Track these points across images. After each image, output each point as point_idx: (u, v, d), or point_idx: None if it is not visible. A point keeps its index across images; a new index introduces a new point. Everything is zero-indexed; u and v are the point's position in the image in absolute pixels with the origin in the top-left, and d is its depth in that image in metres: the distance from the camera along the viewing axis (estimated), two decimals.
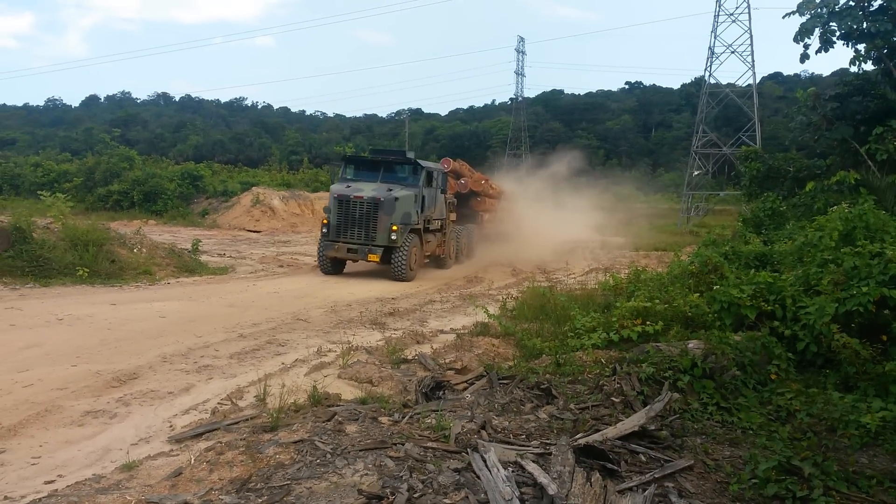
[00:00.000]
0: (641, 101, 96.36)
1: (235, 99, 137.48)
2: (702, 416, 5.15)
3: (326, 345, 8.15)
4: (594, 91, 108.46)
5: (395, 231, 14.90)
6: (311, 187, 38.79)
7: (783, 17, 15.21)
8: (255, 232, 29.68)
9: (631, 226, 31.27)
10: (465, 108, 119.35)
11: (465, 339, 8.20)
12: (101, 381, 6.30)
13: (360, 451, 4.07)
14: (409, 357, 7.36)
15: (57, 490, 3.89)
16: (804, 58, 14.62)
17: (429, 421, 4.65)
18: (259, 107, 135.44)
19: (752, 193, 16.12)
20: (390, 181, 15.82)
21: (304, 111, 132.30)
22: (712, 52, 43.22)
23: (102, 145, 41.97)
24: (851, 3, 13.77)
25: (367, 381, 6.37)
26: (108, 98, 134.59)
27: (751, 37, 42.23)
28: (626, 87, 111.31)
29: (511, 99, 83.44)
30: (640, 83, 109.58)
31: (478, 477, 3.76)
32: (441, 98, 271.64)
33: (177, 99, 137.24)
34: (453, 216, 18.53)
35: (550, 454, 4.06)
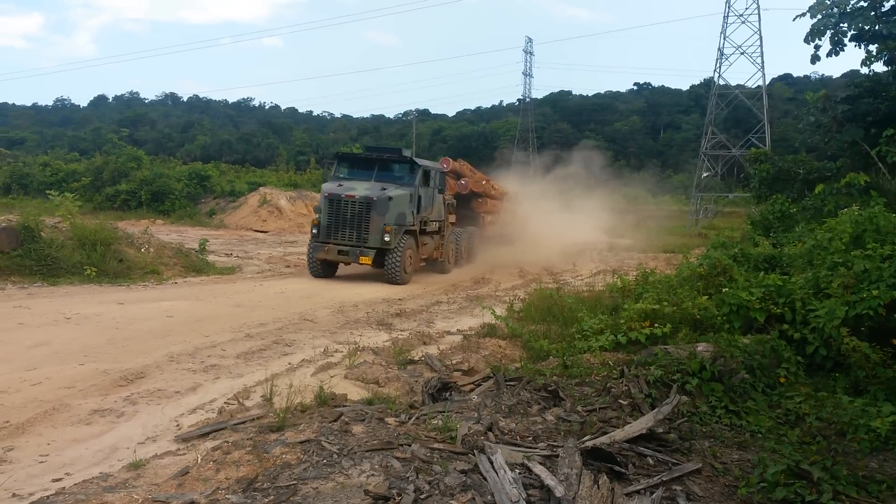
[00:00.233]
0: (650, 102, 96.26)
1: (243, 99, 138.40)
2: (710, 419, 5.12)
3: (333, 345, 8.15)
4: (602, 92, 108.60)
5: (388, 232, 14.16)
6: (318, 188, 38.68)
7: (794, 20, 15.14)
8: (262, 232, 29.75)
9: (639, 228, 31.19)
10: (472, 108, 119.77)
11: (472, 340, 8.19)
12: (109, 379, 6.32)
13: (367, 451, 4.06)
14: (416, 358, 7.35)
15: (64, 488, 3.90)
16: (815, 59, 14.54)
17: (435, 422, 4.64)
18: (266, 107, 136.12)
19: (761, 195, 16.05)
20: (385, 180, 15.09)
21: (311, 112, 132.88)
22: (722, 54, 43.09)
23: (110, 145, 42.23)
24: (863, 4, 13.68)
25: (373, 381, 6.37)
26: (116, 98, 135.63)
27: (760, 38, 42.09)
28: (635, 88, 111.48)
29: (519, 100, 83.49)
30: (649, 84, 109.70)
31: (484, 478, 3.74)
32: (448, 99, 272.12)
33: (185, 99, 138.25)
34: (452, 218, 17.73)
35: (557, 456, 4.04)
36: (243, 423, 5.04)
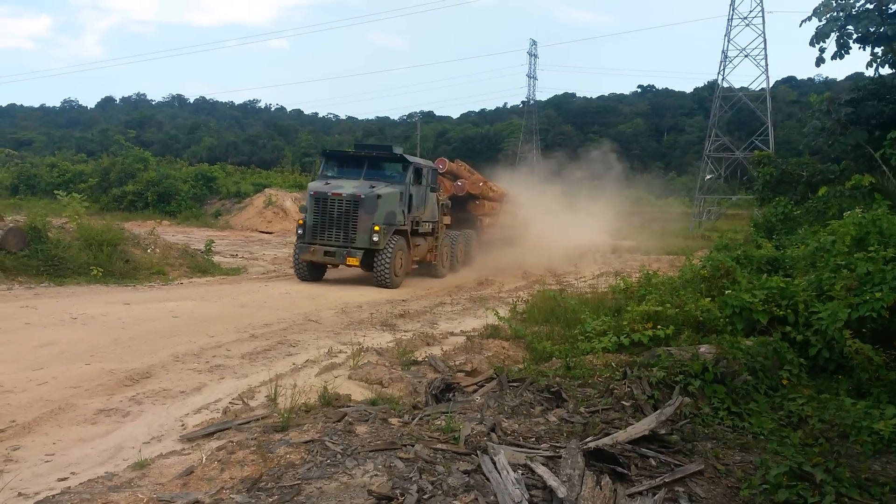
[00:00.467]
0: (654, 104, 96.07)
1: (249, 101, 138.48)
2: (713, 420, 5.13)
3: (337, 346, 8.18)
4: (606, 94, 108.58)
5: (376, 232, 13.45)
6: None
7: (800, 25, 15.10)
8: (267, 233, 29.85)
9: (643, 230, 31.14)
10: (476, 110, 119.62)
11: (476, 341, 8.20)
12: (115, 379, 6.36)
13: (371, 451, 4.08)
14: (420, 359, 7.36)
15: (70, 487, 3.93)
16: (819, 61, 14.54)
17: (438, 423, 4.65)
18: (272, 109, 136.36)
19: (764, 198, 16.03)
20: (375, 178, 14.43)
21: (316, 113, 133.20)
22: (725, 56, 43.13)
23: (117, 146, 42.53)
24: (869, 7, 13.67)
25: (377, 382, 6.39)
26: (123, 100, 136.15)
27: (764, 40, 42.12)
28: (639, 90, 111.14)
29: (523, 102, 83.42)
30: (653, 87, 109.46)
31: (487, 479, 3.76)
32: (453, 101, 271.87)
33: (191, 101, 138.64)
34: (447, 219, 17.09)
35: (560, 457, 4.06)
36: (248, 423, 5.07)
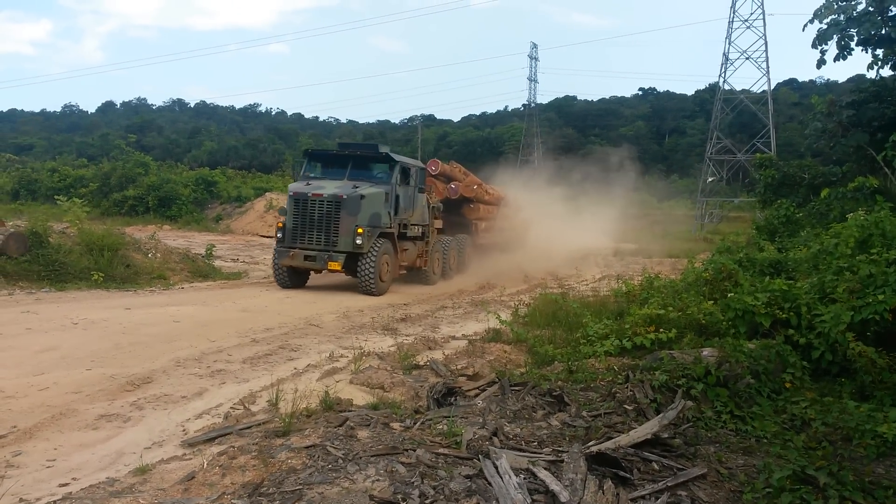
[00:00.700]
0: (655, 107, 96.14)
1: (249, 105, 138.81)
2: (715, 424, 5.11)
3: (338, 350, 8.17)
4: (607, 97, 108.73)
5: (360, 234, 12.71)
6: None
7: (803, 29, 15.06)
8: (268, 237, 29.83)
9: (644, 232, 31.12)
10: (477, 114, 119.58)
11: (477, 345, 8.19)
12: (116, 384, 6.35)
13: (372, 456, 4.07)
14: (421, 363, 7.35)
15: (71, 493, 3.92)
16: (821, 64, 14.60)
17: (440, 427, 4.64)
18: (273, 113, 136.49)
19: (766, 200, 15.99)
20: (360, 178, 13.67)
21: (317, 117, 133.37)
22: (727, 59, 43.21)
23: (118, 151, 42.62)
24: (870, 9, 13.68)
25: (378, 386, 6.38)
26: (123, 104, 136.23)
27: (765, 43, 42.22)
28: (640, 93, 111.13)
29: (524, 105, 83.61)
30: (654, 89, 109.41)
31: (489, 484, 3.75)
32: (454, 104, 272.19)
33: (192, 105, 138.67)
34: (439, 223, 16.31)
35: (562, 461, 4.04)
36: (249, 427, 5.06)
